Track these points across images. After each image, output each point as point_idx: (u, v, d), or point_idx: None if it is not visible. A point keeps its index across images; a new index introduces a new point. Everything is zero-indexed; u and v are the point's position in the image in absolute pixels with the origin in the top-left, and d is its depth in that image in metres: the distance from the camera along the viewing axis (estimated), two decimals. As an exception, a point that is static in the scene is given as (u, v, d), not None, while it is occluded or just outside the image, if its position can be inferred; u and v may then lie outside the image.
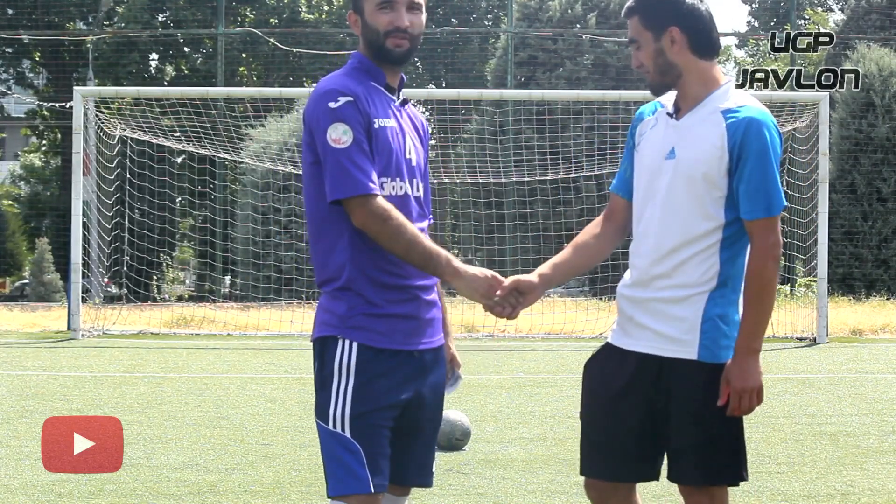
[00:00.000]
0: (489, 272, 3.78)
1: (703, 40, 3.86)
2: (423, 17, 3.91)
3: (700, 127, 3.83)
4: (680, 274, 3.81)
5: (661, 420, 3.84)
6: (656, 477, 3.97)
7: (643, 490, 4.00)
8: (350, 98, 3.74)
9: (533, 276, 3.96)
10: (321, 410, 3.77)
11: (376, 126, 3.78)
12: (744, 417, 3.84)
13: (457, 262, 3.74)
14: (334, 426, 3.73)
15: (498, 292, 3.83)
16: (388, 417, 3.77)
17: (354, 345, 3.75)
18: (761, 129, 3.75)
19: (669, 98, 3.97)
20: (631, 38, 3.91)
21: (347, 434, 3.71)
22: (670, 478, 3.89)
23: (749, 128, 3.75)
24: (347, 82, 3.80)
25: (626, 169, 4.05)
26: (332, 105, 3.72)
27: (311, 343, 3.87)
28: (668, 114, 3.91)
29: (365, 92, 3.81)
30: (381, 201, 3.69)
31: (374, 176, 3.71)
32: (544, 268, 4.01)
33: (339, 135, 3.71)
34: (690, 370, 3.79)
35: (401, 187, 3.82)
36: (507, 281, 3.87)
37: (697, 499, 3.86)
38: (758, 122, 3.75)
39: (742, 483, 3.90)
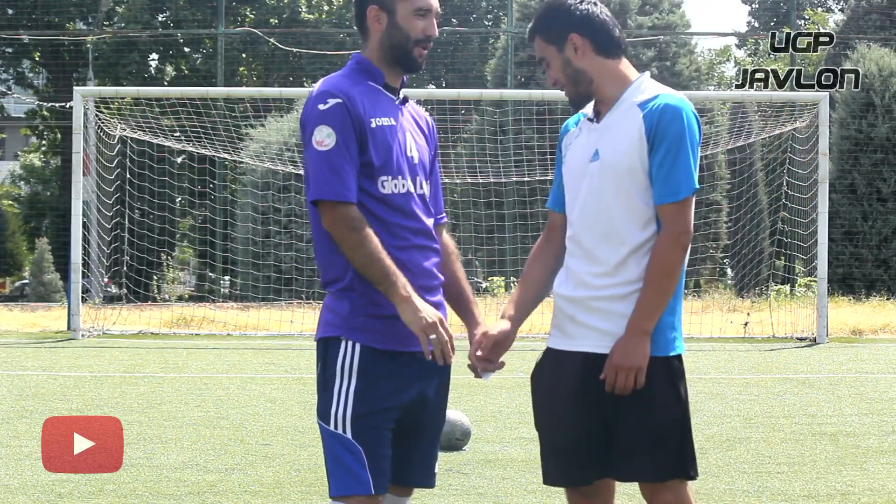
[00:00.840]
0: (440, 315, 3.71)
1: (605, 40, 3.88)
2: None
3: (619, 123, 3.84)
4: (622, 271, 3.80)
5: (613, 417, 3.81)
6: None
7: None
8: (339, 100, 3.74)
9: (503, 324, 3.95)
10: (323, 411, 3.77)
11: (373, 125, 3.77)
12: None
13: (411, 290, 3.70)
14: (335, 427, 3.73)
15: (479, 353, 3.86)
16: (390, 419, 3.77)
17: (357, 346, 3.75)
18: (678, 113, 3.76)
19: (590, 107, 3.98)
20: (539, 57, 3.92)
21: (349, 435, 3.71)
22: (625, 477, 3.84)
23: (664, 113, 3.76)
24: (341, 84, 3.80)
25: (558, 184, 4.04)
26: (321, 107, 3.73)
27: (315, 343, 3.87)
28: (589, 119, 3.93)
29: (361, 92, 3.81)
30: (351, 210, 3.69)
31: (353, 182, 3.70)
32: (509, 309, 4.00)
33: (323, 137, 3.71)
34: None
35: (403, 185, 3.81)
36: (485, 340, 3.89)
37: (661, 496, 3.82)
38: (673, 108, 3.76)
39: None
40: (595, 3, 3.90)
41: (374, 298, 3.76)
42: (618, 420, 3.80)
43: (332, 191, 3.68)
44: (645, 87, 3.86)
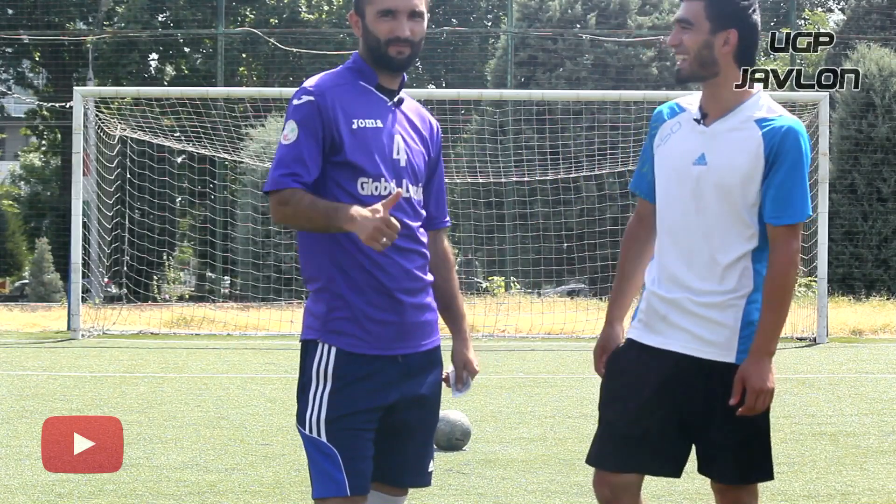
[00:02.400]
0: (384, 218, 3.54)
1: (749, 53, 3.93)
2: (425, 23, 3.90)
3: (734, 135, 3.88)
4: (720, 280, 3.87)
5: (697, 420, 3.89)
6: (679, 475, 4.01)
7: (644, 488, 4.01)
8: (312, 98, 3.75)
9: (615, 331, 4.06)
10: (300, 416, 3.81)
11: (355, 126, 3.77)
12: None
13: (355, 211, 3.57)
14: (311, 431, 3.76)
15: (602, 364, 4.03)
16: (369, 420, 3.76)
17: (333, 349, 3.76)
18: (798, 138, 3.84)
19: (691, 102, 4.00)
20: (684, 18, 3.89)
21: (323, 438, 3.74)
22: (711, 476, 3.95)
23: (787, 135, 3.83)
24: (322, 81, 3.82)
25: (646, 171, 4.07)
26: (294, 102, 3.78)
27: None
28: (696, 119, 3.94)
29: (346, 91, 3.80)
30: (289, 191, 3.66)
31: (301, 169, 3.68)
32: (614, 311, 4.09)
33: (288, 132, 3.75)
34: (730, 373, 3.85)
35: (385, 188, 3.79)
36: (602, 351, 4.05)
37: (734, 495, 3.93)
38: (795, 132, 3.85)
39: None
40: (759, 17, 3.96)
41: (351, 300, 3.75)
42: (709, 424, 3.88)
43: (272, 180, 3.71)
44: (763, 103, 3.91)
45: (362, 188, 3.76)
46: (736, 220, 3.86)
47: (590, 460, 4.01)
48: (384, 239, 3.56)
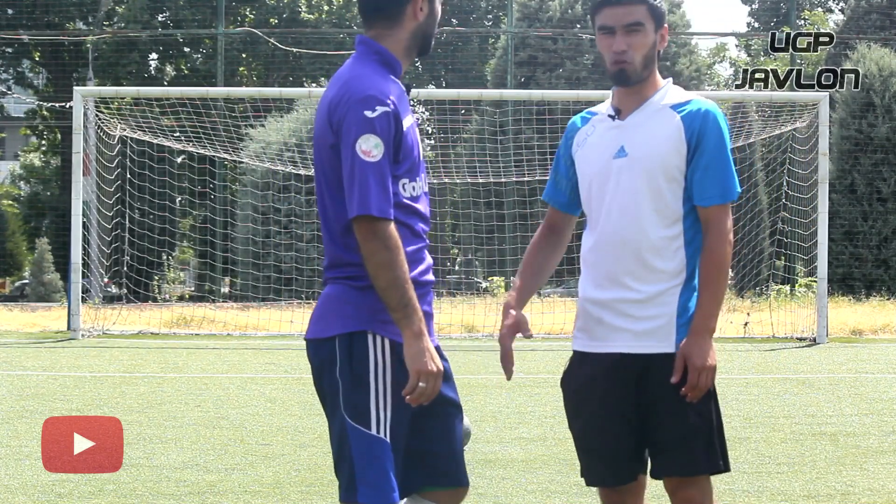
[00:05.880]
0: (441, 367, 3.58)
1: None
2: None
3: (651, 122, 3.89)
4: (651, 272, 3.85)
5: (647, 415, 3.87)
6: (646, 470, 4.00)
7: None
8: (388, 108, 3.54)
9: (517, 315, 4.08)
10: (360, 413, 3.60)
11: (405, 127, 3.61)
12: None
13: (424, 327, 3.54)
14: (378, 431, 3.59)
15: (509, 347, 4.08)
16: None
17: (386, 341, 3.61)
18: (717, 119, 3.87)
19: (600, 108, 4.04)
20: (636, 21, 3.89)
21: (388, 439, 3.60)
22: (654, 474, 3.91)
23: (706, 118, 3.86)
24: (385, 87, 3.60)
25: (559, 181, 4.08)
26: (367, 114, 3.52)
27: (327, 338, 3.66)
28: (610, 115, 3.95)
29: (398, 94, 3.64)
30: (391, 227, 3.52)
31: (392, 197, 3.55)
32: (512, 301, 4.11)
33: (371, 147, 3.52)
34: (669, 363, 3.84)
35: (415, 188, 3.67)
36: (511, 333, 4.13)
37: (685, 492, 3.86)
38: (713, 114, 3.87)
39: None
40: None
41: None
42: (650, 417, 3.86)
43: (376, 206, 3.50)
44: (670, 91, 3.95)
45: (404, 190, 3.63)
46: (660, 206, 3.85)
47: (583, 477, 4.05)
48: (423, 385, 3.53)
